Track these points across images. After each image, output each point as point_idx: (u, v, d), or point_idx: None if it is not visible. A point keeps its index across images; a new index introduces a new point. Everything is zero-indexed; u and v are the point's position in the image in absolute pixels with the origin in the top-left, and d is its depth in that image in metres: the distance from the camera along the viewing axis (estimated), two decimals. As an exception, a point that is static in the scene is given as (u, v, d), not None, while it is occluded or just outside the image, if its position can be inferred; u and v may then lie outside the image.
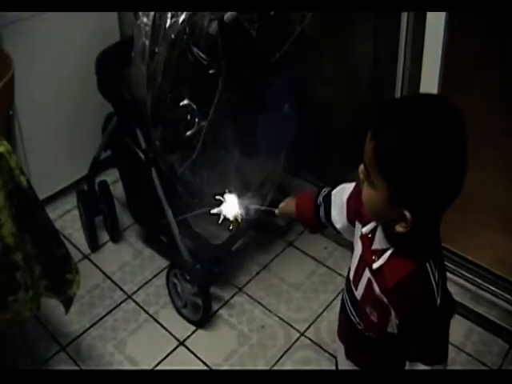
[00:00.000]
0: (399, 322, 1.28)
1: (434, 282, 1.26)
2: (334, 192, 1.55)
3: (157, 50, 2.05)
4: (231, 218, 1.55)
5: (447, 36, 2.16)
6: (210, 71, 2.00)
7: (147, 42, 2.06)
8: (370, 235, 1.34)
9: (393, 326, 1.31)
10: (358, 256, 1.39)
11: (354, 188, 1.49)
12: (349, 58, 2.50)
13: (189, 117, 2.09)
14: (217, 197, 1.55)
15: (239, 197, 1.58)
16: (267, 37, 1.99)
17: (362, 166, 1.23)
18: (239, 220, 1.56)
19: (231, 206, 1.56)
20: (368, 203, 1.24)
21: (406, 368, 1.32)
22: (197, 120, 2.09)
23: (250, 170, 2.36)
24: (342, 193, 1.52)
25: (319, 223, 1.57)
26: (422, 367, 1.29)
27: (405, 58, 2.30)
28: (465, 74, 3.31)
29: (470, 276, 2.50)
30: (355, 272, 1.40)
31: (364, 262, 1.35)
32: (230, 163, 2.27)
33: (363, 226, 1.37)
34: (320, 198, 1.56)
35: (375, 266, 1.30)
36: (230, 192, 1.57)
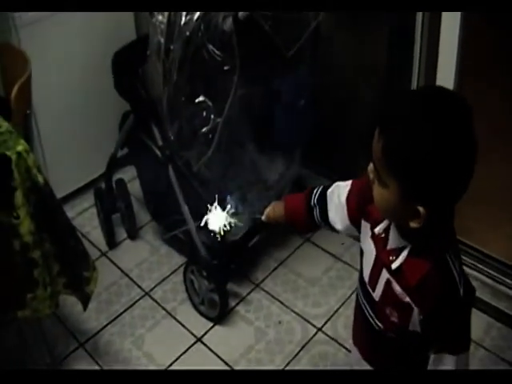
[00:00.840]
0: (424, 317, 1.26)
1: (455, 273, 1.25)
2: (329, 192, 1.53)
3: (172, 47, 2.06)
4: (216, 229, 1.57)
5: (463, 29, 2.15)
6: (225, 68, 2.00)
7: (162, 40, 2.07)
8: (383, 235, 1.32)
9: (415, 324, 1.29)
10: (373, 257, 1.36)
11: (352, 186, 1.48)
12: (364, 53, 2.48)
13: (204, 113, 2.09)
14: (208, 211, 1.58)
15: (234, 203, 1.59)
16: (281, 33, 1.99)
17: (371, 166, 1.22)
18: (225, 229, 1.57)
19: (216, 217, 1.57)
20: (380, 202, 1.23)
21: (431, 361, 1.30)
22: (212, 116, 2.09)
23: (265, 165, 2.35)
24: (338, 192, 1.51)
25: (311, 224, 1.58)
26: (448, 358, 1.28)
27: (420, 51, 2.29)
28: (481, 68, 3.29)
29: (489, 271, 2.49)
30: (371, 273, 1.38)
31: (380, 262, 1.33)
32: (245, 159, 2.27)
33: (373, 225, 1.35)
34: (314, 200, 1.55)
35: (394, 266, 1.28)
36: (213, 205, 1.58)
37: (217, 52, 1.98)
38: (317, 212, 1.54)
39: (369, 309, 1.41)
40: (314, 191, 1.56)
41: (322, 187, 1.56)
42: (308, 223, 1.58)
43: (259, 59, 2.04)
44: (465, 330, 1.31)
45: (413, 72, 2.33)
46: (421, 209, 1.15)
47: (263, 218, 1.63)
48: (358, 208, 1.43)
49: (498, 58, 3.53)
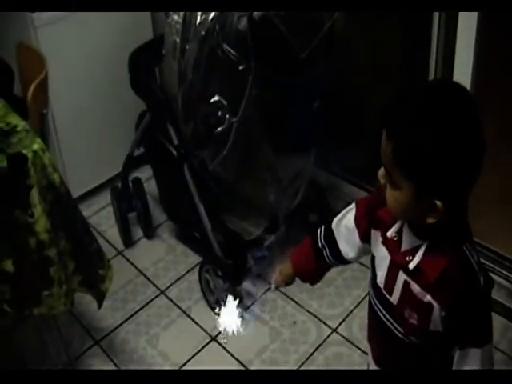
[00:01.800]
0: (446, 313, 1.25)
1: (474, 263, 1.25)
2: (333, 227, 1.53)
3: (187, 47, 2.06)
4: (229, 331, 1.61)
5: (480, 28, 2.13)
6: (240, 67, 2.00)
7: (178, 40, 2.07)
8: (395, 238, 1.32)
9: (436, 324, 1.28)
10: (387, 261, 1.35)
11: (358, 207, 1.49)
12: (378, 52, 2.47)
13: (219, 113, 2.10)
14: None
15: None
16: (296, 33, 1.99)
17: (381, 171, 1.21)
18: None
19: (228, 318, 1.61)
20: (395, 205, 1.22)
21: (456, 357, 1.29)
22: (227, 116, 2.09)
23: (281, 165, 2.35)
24: (344, 221, 1.51)
25: (323, 269, 1.58)
26: (473, 351, 1.27)
27: (437, 51, 2.27)
28: (498, 68, 3.26)
29: (505, 272, 2.46)
30: (387, 278, 1.36)
31: (396, 265, 1.32)
32: (260, 158, 2.27)
33: (384, 230, 1.35)
34: (320, 241, 1.54)
35: (412, 265, 1.27)
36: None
37: (232, 51, 1.99)
38: (327, 252, 1.54)
39: (386, 314, 1.39)
40: (318, 233, 1.56)
41: (323, 226, 1.56)
42: (319, 269, 1.59)
43: (274, 59, 2.04)
44: (487, 320, 1.29)
45: (429, 71, 2.31)
46: (438, 202, 1.15)
47: (273, 287, 1.66)
48: (368, 223, 1.43)
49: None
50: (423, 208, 1.17)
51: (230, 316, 1.60)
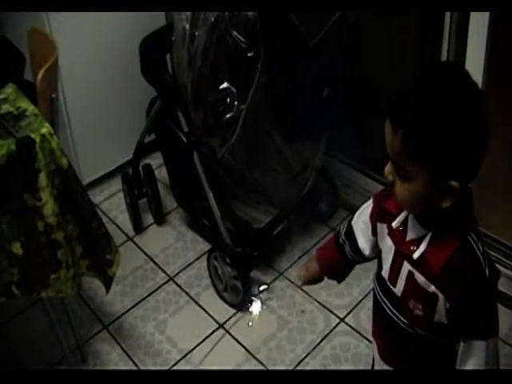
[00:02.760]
0: (451, 304, 1.25)
1: (479, 253, 1.24)
2: (353, 222, 1.55)
3: (197, 33, 2.06)
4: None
5: (491, 25, 2.11)
6: (249, 54, 2.00)
7: (187, 26, 2.08)
8: (401, 228, 1.31)
9: (440, 315, 1.27)
10: (392, 252, 1.35)
11: (374, 201, 1.49)
12: (392, 41, 2.45)
13: (228, 100, 2.09)
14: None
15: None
16: (306, 20, 1.98)
17: (388, 168, 1.21)
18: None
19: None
20: (408, 198, 1.21)
21: (461, 350, 1.28)
22: (236, 103, 2.09)
23: (290, 153, 2.34)
24: (362, 217, 1.52)
25: (347, 264, 1.60)
26: (478, 344, 1.26)
27: (449, 42, 2.25)
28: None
29: (516, 266, 2.45)
30: (391, 269, 1.36)
31: (400, 256, 1.32)
32: (269, 146, 2.27)
33: (389, 221, 1.34)
34: (342, 237, 1.56)
35: (416, 255, 1.26)
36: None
37: (241, 38, 1.98)
38: (347, 247, 1.55)
39: (391, 306, 1.39)
40: (340, 229, 1.58)
41: (347, 223, 1.58)
42: (342, 264, 1.60)
43: (283, 46, 2.04)
44: (492, 312, 1.29)
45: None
46: (453, 183, 1.15)
47: (301, 283, 1.69)
48: (377, 216, 1.44)
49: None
50: (438, 193, 1.17)
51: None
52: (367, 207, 1.51)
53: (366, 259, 1.56)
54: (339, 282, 1.67)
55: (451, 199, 1.17)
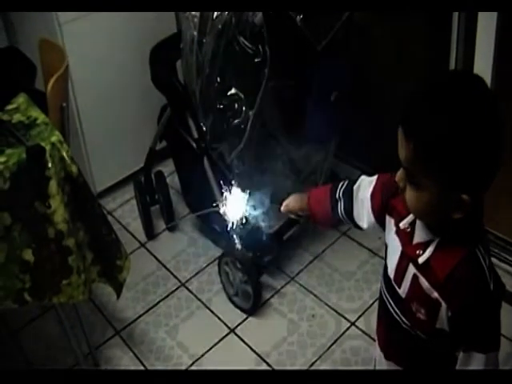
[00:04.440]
0: (452, 314, 1.24)
1: (485, 267, 1.23)
2: (355, 187, 1.51)
3: (205, 40, 2.08)
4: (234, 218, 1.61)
5: (500, 24, 2.11)
6: (256, 60, 2.01)
7: (195, 33, 2.10)
8: (408, 229, 1.30)
9: (442, 322, 1.26)
10: (399, 252, 1.33)
11: (377, 182, 1.46)
12: (402, 43, 2.45)
13: (236, 106, 2.11)
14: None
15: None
16: (312, 25, 1.99)
17: (400, 174, 1.19)
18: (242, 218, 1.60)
19: (234, 206, 1.62)
20: (418, 206, 1.20)
21: (460, 360, 1.27)
22: (244, 109, 2.11)
23: (299, 157, 2.36)
24: (363, 188, 1.49)
25: (333, 218, 1.55)
26: (477, 356, 1.25)
27: (457, 44, 2.25)
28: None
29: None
30: (396, 269, 1.35)
31: (406, 257, 1.30)
32: (278, 151, 2.28)
33: (397, 219, 1.33)
34: (339, 193, 1.52)
35: (421, 260, 1.25)
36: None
37: (248, 45, 2.00)
38: (341, 205, 1.51)
39: (394, 306, 1.38)
40: (340, 184, 1.54)
41: (347, 182, 1.54)
42: (330, 216, 1.55)
43: (290, 51, 2.05)
44: (494, 327, 1.27)
45: (450, 63, 2.30)
46: (464, 196, 1.13)
47: (282, 208, 1.61)
48: (382, 204, 1.41)
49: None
50: (449, 204, 1.15)
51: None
52: (370, 182, 1.48)
53: (356, 225, 1.53)
54: (321, 227, 1.64)
55: (462, 212, 1.15)
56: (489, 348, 1.27)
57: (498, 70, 2.21)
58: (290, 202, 1.60)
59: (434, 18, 2.33)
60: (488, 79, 2.18)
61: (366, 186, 1.49)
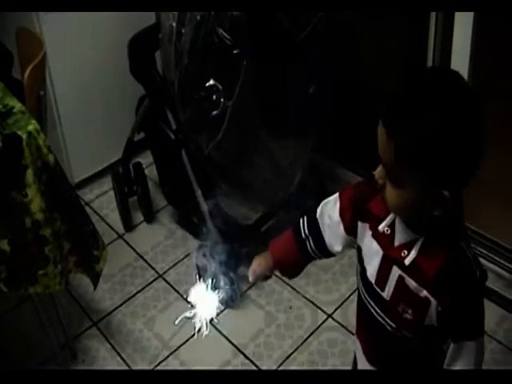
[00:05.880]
0: (442, 308, 1.24)
1: (471, 257, 1.24)
2: (318, 216, 1.46)
3: (183, 31, 2.08)
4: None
5: (476, 23, 2.13)
6: (235, 52, 2.02)
7: (174, 24, 2.09)
8: (388, 231, 1.28)
9: (431, 318, 1.26)
10: (380, 256, 1.31)
11: (341, 199, 1.43)
12: (383, 38, 2.46)
13: (214, 97, 2.11)
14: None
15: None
16: (292, 17, 1.99)
17: (379, 171, 1.19)
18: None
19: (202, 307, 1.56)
20: (398, 204, 1.19)
21: (451, 351, 1.27)
22: (222, 100, 2.11)
23: (277, 150, 2.36)
24: (328, 212, 1.45)
25: (305, 261, 1.51)
26: (468, 345, 1.26)
27: (435, 41, 2.27)
28: (496, 56, 3.27)
29: (504, 262, 2.45)
30: (378, 273, 1.32)
31: (389, 260, 1.29)
32: (256, 143, 2.28)
33: (373, 223, 1.32)
34: (304, 232, 1.47)
35: (408, 261, 1.24)
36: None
37: (227, 36, 2.00)
38: (311, 242, 1.46)
39: (378, 310, 1.36)
40: (301, 223, 1.49)
41: (306, 216, 1.49)
42: (301, 261, 1.51)
43: (269, 43, 2.05)
44: (481, 313, 1.28)
45: (427, 59, 2.31)
46: (445, 192, 1.13)
47: (251, 279, 1.55)
48: (354, 216, 1.39)
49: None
50: (429, 201, 1.15)
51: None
52: (334, 203, 1.44)
53: (330, 255, 1.49)
54: (291, 278, 1.60)
55: (443, 208, 1.16)
56: (477, 334, 1.28)
57: (474, 66, 2.23)
58: (256, 268, 1.53)
59: (414, 16, 2.34)
60: (465, 75, 2.20)
61: (330, 208, 1.45)
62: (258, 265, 1.53)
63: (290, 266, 1.53)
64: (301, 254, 1.49)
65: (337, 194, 1.45)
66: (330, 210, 1.45)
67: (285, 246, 1.51)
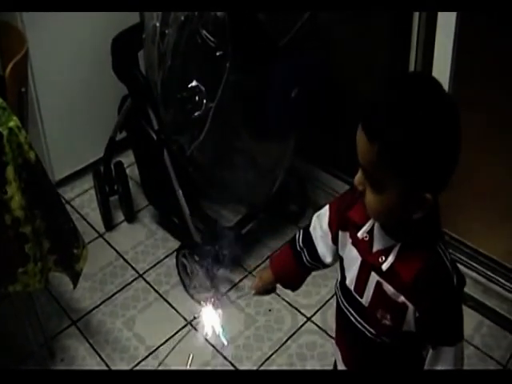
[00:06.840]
0: (420, 314, 1.24)
1: (448, 263, 1.24)
2: (311, 229, 1.51)
3: (167, 31, 2.08)
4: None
5: (459, 27, 2.15)
6: (218, 53, 2.02)
7: (158, 24, 2.09)
8: (366, 238, 1.29)
9: (409, 324, 1.27)
10: (358, 263, 1.32)
11: (330, 210, 1.46)
12: (364, 42, 2.47)
13: (197, 98, 2.11)
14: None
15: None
16: (275, 20, 2.00)
17: (358, 177, 1.19)
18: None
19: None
20: (379, 208, 1.20)
21: (430, 357, 1.28)
22: (205, 101, 2.11)
23: (259, 152, 2.37)
24: (319, 223, 1.49)
25: (304, 273, 1.55)
26: (446, 350, 1.26)
27: (417, 45, 2.29)
28: (478, 60, 3.31)
29: (482, 269, 2.47)
30: (357, 279, 1.33)
31: (367, 266, 1.30)
32: (238, 145, 2.29)
33: (353, 231, 1.33)
34: (299, 244, 1.52)
35: (385, 266, 1.25)
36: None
37: (210, 37, 2.01)
38: (305, 254, 1.50)
39: (356, 316, 1.36)
40: (297, 236, 1.53)
41: (302, 230, 1.53)
42: (299, 273, 1.55)
43: (252, 46, 2.06)
44: (460, 319, 1.29)
45: (409, 63, 2.33)
46: (427, 195, 1.14)
47: (253, 293, 1.60)
48: (337, 224, 1.41)
49: (494, 50, 3.54)
50: (411, 204, 1.16)
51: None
52: (324, 214, 1.48)
53: (325, 266, 1.52)
54: (294, 290, 1.62)
55: (423, 210, 1.17)
56: (456, 340, 1.28)
57: (456, 71, 2.25)
58: (258, 282, 1.58)
59: (396, 19, 2.36)
60: (446, 80, 2.23)
61: (321, 219, 1.49)
62: (259, 279, 1.58)
63: (290, 279, 1.57)
64: (298, 266, 1.53)
65: (327, 206, 1.49)
66: (321, 221, 1.49)
67: (283, 260, 1.56)
